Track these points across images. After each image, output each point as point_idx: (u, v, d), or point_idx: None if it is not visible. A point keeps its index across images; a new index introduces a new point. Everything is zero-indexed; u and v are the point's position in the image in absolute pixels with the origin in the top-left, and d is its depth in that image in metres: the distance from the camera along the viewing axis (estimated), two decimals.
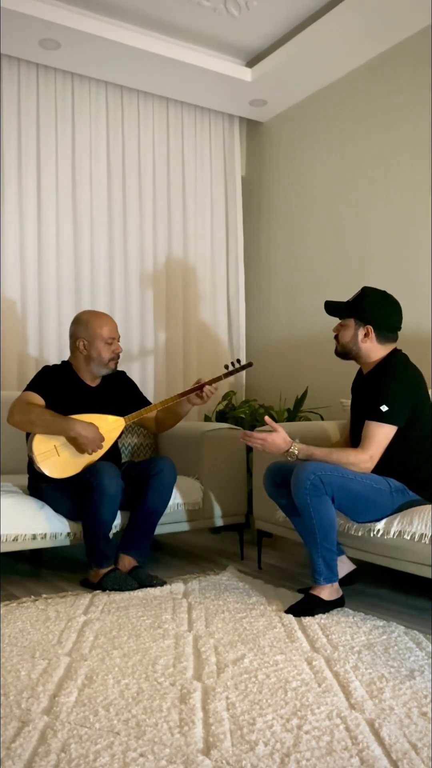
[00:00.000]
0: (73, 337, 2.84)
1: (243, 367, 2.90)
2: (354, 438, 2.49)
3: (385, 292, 2.46)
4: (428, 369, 3.20)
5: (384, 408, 2.26)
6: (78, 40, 3.47)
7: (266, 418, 2.39)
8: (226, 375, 2.86)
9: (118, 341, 2.86)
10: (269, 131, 4.44)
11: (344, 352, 2.47)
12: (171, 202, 4.24)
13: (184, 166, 4.30)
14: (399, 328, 2.45)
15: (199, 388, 2.79)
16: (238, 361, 2.96)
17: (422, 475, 2.35)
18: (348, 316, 2.43)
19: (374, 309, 2.40)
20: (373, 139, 3.67)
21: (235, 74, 3.87)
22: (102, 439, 2.63)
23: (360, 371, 2.53)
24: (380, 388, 2.30)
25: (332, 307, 2.48)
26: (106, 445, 2.69)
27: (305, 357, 4.03)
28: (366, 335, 2.39)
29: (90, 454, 2.62)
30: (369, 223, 3.68)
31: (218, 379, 2.84)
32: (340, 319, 2.47)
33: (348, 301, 2.47)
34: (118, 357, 2.86)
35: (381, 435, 2.27)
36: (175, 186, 4.26)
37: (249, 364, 2.95)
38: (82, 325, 2.82)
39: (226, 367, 2.90)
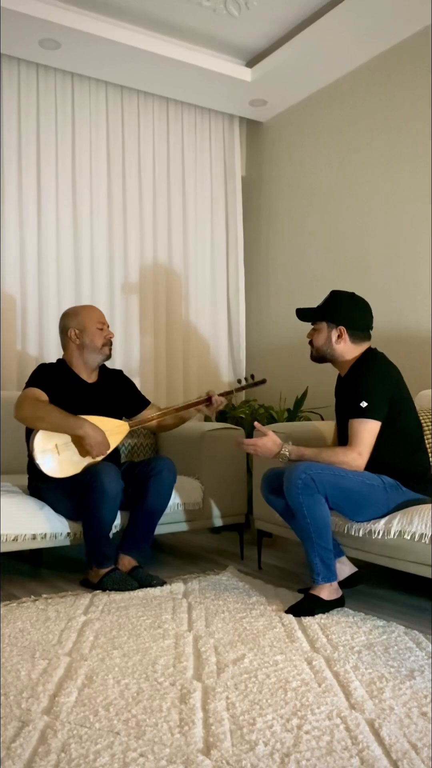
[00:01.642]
0: (64, 330, 2.86)
1: (256, 384, 2.93)
2: (341, 443, 2.51)
3: (353, 293, 2.52)
4: (429, 369, 3.20)
5: (363, 404, 2.30)
6: (78, 40, 3.48)
7: (255, 423, 2.47)
8: (239, 390, 2.94)
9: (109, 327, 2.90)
10: (269, 131, 4.44)
11: (320, 356, 2.53)
12: (171, 201, 4.24)
13: (184, 166, 4.30)
14: (371, 328, 2.50)
15: (208, 399, 2.83)
16: (252, 376, 2.97)
17: (411, 469, 2.37)
18: (320, 319, 2.49)
19: (345, 310, 2.45)
20: (373, 139, 3.67)
21: (235, 74, 3.87)
22: (108, 446, 2.63)
23: (339, 375, 2.56)
24: (358, 386, 2.35)
25: (303, 313, 2.53)
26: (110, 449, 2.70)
27: (305, 357, 4.00)
28: (339, 336, 2.44)
29: (93, 458, 2.62)
30: (369, 222, 3.68)
31: (230, 392, 2.90)
32: (312, 323, 2.52)
33: (318, 306, 2.52)
34: (111, 343, 2.88)
35: (365, 431, 2.31)
36: (175, 186, 4.26)
37: (262, 381, 2.95)
38: (71, 316, 2.86)
39: (239, 381, 3.02)
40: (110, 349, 2.88)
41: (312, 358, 2.56)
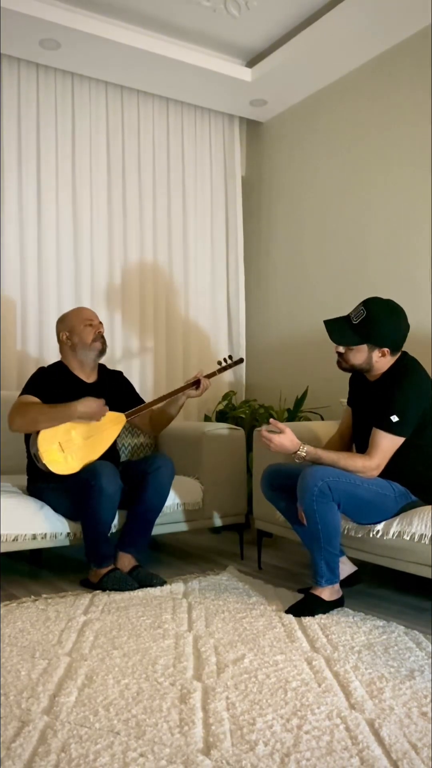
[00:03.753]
0: (57, 335, 2.93)
1: (235, 363, 3.04)
2: (358, 441, 2.49)
3: (389, 304, 2.34)
4: (428, 369, 3.20)
5: (394, 418, 2.23)
6: (78, 40, 3.47)
7: (271, 420, 2.36)
8: (220, 371, 3.01)
9: (100, 323, 2.91)
10: (269, 131, 4.44)
11: (354, 371, 2.40)
12: (171, 202, 4.23)
13: (184, 166, 4.30)
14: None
15: (196, 382, 2.87)
16: (230, 357, 3.07)
17: (424, 482, 2.34)
18: (361, 342, 2.31)
19: (389, 330, 2.30)
20: (373, 139, 3.67)
21: (235, 74, 3.87)
22: (104, 403, 2.65)
23: (365, 377, 2.47)
24: (391, 397, 2.26)
25: (338, 333, 2.33)
26: (108, 441, 2.70)
27: (305, 357, 4.03)
28: (383, 355, 2.33)
29: (98, 420, 2.64)
30: (369, 222, 3.68)
31: (212, 374, 2.97)
32: (349, 345, 2.33)
33: (354, 323, 2.31)
34: (103, 338, 2.89)
35: (390, 445, 2.26)
36: (175, 186, 4.26)
37: (240, 360, 3.10)
38: (60, 321, 2.94)
39: (219, 363, 3.04)
40: (103, 343, 2.89)
41: (342, 369, 2.42)
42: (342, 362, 2.40)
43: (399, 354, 2.39)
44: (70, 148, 3.90)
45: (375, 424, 2.28)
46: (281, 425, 2.33)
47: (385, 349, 2.32)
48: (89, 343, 2.84)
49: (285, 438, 2.30)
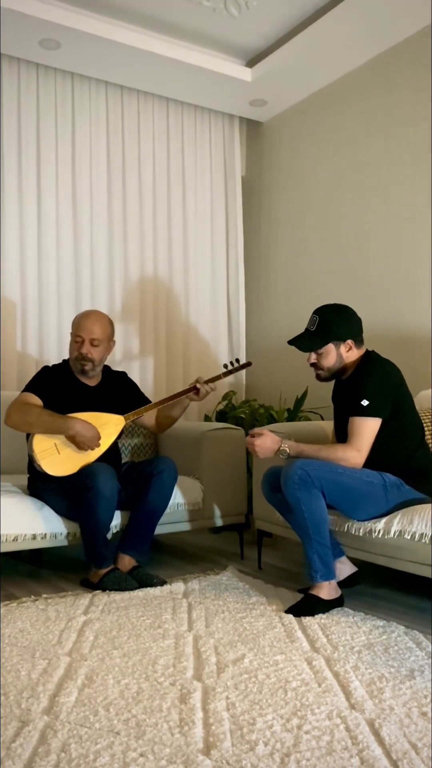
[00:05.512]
0: None
1: (242, 367, 2.95)
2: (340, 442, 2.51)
3: (335, 305, 2.52)
4: (429, 369, 3.20)
5: (364, 402, 2.31)
6: (78, 40, 3.48)
7: (251, 431, 2.48)
8: (225, 374, 2.90)
9: (94, 344, 2.74)
10: (269, 131, 4.44)
11: (331, 375, 2.51)
12: (171, 201, 4.24)
13: (184, 166, 4.30)
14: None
15: (194, 388, 2.80)
16: (237, 360, 2.99)
17: (414, 467, 2.38)
18: (326, 344, 2.45)
19: (344, 324, 2.45)
20: (373, 139, 3.67)
21: (235, 74, 3.87)
22: (99, 437, 2.63)
23: (335, 381, 2.58)
24: (359, 386, 2.36)
25: (304, 343, 2.49)
26: (106, 443, 2.69)
27: (305, 356, 4.02)
28: (349, 349, 2.45)
29: (86, 451, 2.62)
30: (369, 222, 3.68)
31: (217, 378, 2.88)
32: (316, 350, 2.47)
33: (313, 331, 2.47)
34: (86, 360, 2.74)
35: (365, 428, 2.32)
36: (175, 186, 4.26)
37: (248, 364, 3.00)
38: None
39: (225, 366, 2.94)
40: (83, 365, 2.76)
41: (321, 380, 2.54)
42: (320, 372, 2.52)
43: (363, 351, 2.49)
44: (70, 147, 3.90)
45: (350, 414, 2.36)
46: (257, 430, 2.46)
47: (349, 342, 2.45)
48: (72, 358, 2.81)
49: (266, 439, 2.42)
